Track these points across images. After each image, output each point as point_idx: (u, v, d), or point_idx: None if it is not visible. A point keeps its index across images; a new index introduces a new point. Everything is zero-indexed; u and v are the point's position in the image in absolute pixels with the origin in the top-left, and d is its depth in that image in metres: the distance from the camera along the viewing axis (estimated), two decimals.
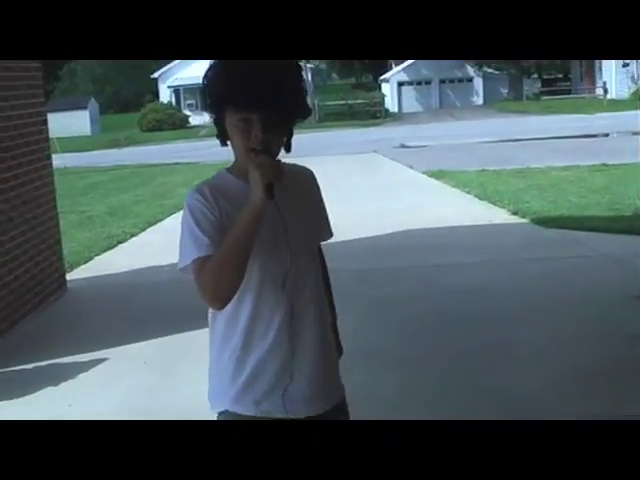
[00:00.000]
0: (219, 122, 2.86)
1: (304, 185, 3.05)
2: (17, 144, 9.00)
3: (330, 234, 3.17)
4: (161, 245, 12.70)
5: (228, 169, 2.94)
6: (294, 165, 2.99)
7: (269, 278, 2.86)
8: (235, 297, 2.80)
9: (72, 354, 7.48)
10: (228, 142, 2.88)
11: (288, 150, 2.87)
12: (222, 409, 3.00)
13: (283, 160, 2.83)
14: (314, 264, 3.04)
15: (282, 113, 2.78)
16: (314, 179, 3.11)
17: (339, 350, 3.31)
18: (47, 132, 10.05)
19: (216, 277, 2.73)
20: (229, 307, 2.83)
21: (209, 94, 2.88)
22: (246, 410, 2.94)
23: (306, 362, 2.95)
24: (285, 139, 2.88)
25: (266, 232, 2.77)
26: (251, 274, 2.80)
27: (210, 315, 2.99)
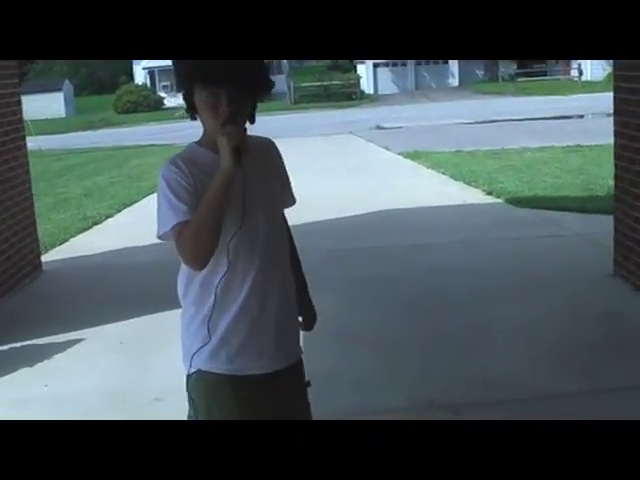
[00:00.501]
0: (188, 97, 3.06)
1: (267, 154, 3.26)
2: None
3: (294, 200, 3.36)
4: (137, 226, 12.70)
5: (197, 142, 3.14)
6: (257, 137, 3.19)
7: (241, 242, 3.03)
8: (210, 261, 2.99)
9: (48, 335, 7.45)
10: (197, 116, 3.07)
11: (252, 121, 3.10)
12: (195, 369, 3.15)
13: (249, 133, 3.04)
14: (281, 229, 3.27)
15: (247, 87, 2.99)
16: (276, 148, 3.32)
17: (313, 315, 3.59)
18: (21, 114, 9.97)
19: (195, 239, 2.91)
20: (203, 271, 3.03)
21: (178, 71, 3.08)
22: (219, 368, 3.12)
23: (273, 320, 3.16)
24: (249, 112, 3.08)
25: (235, 199, 2.96)
26: (224, 238, 2.96)
27: (182, 283, 3.19)
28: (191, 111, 3.09)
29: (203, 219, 2.90)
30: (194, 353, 3.12)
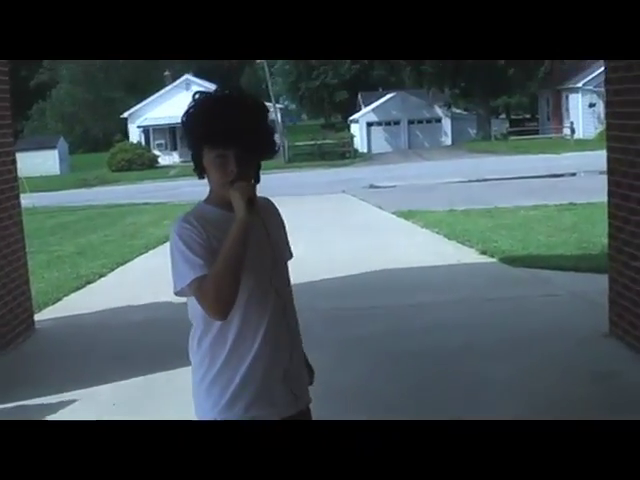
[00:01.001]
0: (197, 158, 3.22)
1: (269, 212, 3.43)
2: None
3: (291, 254, 3.55)
4: (130, 286, 12.68)
5: (205, 200, 3.28)
6: (259, 197, 3.26)
7: (256, 292, 3.18)
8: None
9: (40, 396, 7.40)
10: (205, 175, 3.23)
11: (257, 180, 3.25)
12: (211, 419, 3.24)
13: None
14: (288, 281, 3.42)
15: (253, 149, 3.17)
16: (275, 207, 3.51)
17: (311, 369, 3.66)
18: (16, 172, 10.00)
19: (217, 288, 3.03)
20: (215, 328, 3.17)
21: (188, 133, 3.24)
22: (235, 417, 3.21)
23: (287, 369, 3.29)
24: (255, 171, 3.25)
25: (252, 249, 3.11)
26: (240, 289, 3.08)
27: (195, 338, 3.27)
28: (199, 171, 3.24)
29: (224, 269, 3.02)
30: (209, 408, 3.23)
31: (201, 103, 3.19)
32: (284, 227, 3.51)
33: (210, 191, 3.26)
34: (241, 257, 3.04)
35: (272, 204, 3.49)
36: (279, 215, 3.49)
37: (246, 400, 3.20)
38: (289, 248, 3.54)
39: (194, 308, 3.18)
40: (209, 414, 3.22)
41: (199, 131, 3.18)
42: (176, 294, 3.17)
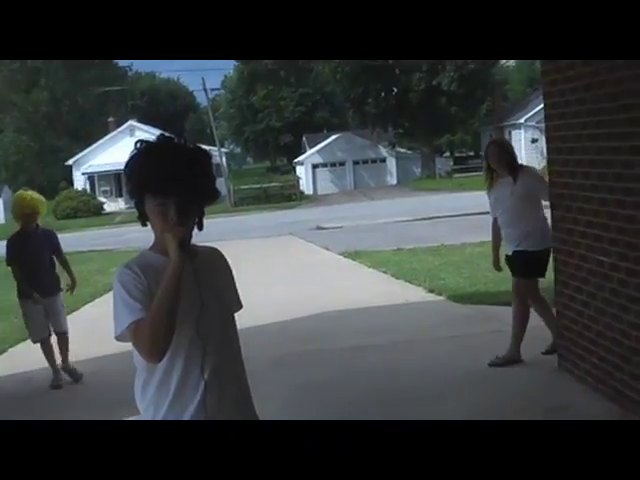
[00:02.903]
0: (140, 206, 3.27)
1: (216, 263, 3.47)
2: None
3: (240, 305, 3.58)
4: (76, 337, 12.49)
5: (150, 248, 3.33)
6: (204, 246, 3.44)
7: (194, 341, 3.19)
8: (164, 362, 3.15)
9: None
10: (147, 223, 3.28)
11: (200, 228, 3.31)
12: None
13: (197, 243, 3.33)
14: (232, 331, 3.42)
15: (194, 198, 3.19)
16: (224, 258, 3.54)
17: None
18: None
19: (151, 332, 3.05)
20: (159, 372, 3.19)
21: (130, 181, 3.28)
22: None
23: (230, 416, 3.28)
24: (197, 219, 3.29)
25: (186, 302, 3.14)
26: (179, 336, 3.13)
27: (139, 387, 3.29)
28: (142, 218, 3.28)
29: (158, 310, 3.05)
30: None
31: (142, 152, 3.23)
32: (230, 277, 3.53)
33: (154, 239, 3.31)
34: (175, 299, 3.08)
35: (218, 253, 3.52)
36: (225, 265, 3.51)
37: None
38: (237, 299, 3.57)
39: (137, 354, 3.19)
40: None
41: (140, 180, 3.22)
42: (116, 339, 3.21)
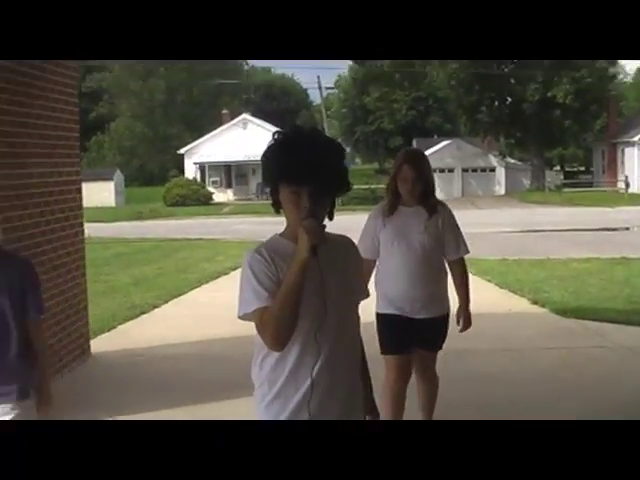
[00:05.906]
0: (274, 194, 3.41)
1: (345, 250, 3.57)
2: (52, 210, 9.22)
3: (367, 294, 3.71)
4: (183, 318, 12.81)
5: (281, 234, 3.47)
6: (336, 234, 3.52)
7: (308, 328, 3.30)
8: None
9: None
10: (281, 210, 3.41)
11: (331, 218, 3.44)
12: None
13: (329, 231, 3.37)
14: (351, 320, 3.52)
15: (326, 187, 3.31)
16: (353, 246, 3.67)
17: (377, 415, 3.79)
18: (81, 200, 10.21)
19: (275, 323, 3.21)
20: (275, 354, 3.33)
21: (266, 169, 3.43)
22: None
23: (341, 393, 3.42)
24: (328, 209, 3.41)
25: (309, 287, 3.24)
26: (302, 326, 3.27)
27: (257, 363, 3.45)
28: (276, 206, 3.42)
29: (283, 303, 3.19)
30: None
31: (279, 141, 3.35)
32: (358, 265, 3.67)
33: (286, 225, 3.44)
34: (298, 294, 3.19)
35: (349, 244, 3.64)
36: (354, 253, 3.64)
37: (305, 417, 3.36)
38: (364, 287, 3.71)
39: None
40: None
41: (276, 168, 3.34)
42: (239, 317, 3.37)
